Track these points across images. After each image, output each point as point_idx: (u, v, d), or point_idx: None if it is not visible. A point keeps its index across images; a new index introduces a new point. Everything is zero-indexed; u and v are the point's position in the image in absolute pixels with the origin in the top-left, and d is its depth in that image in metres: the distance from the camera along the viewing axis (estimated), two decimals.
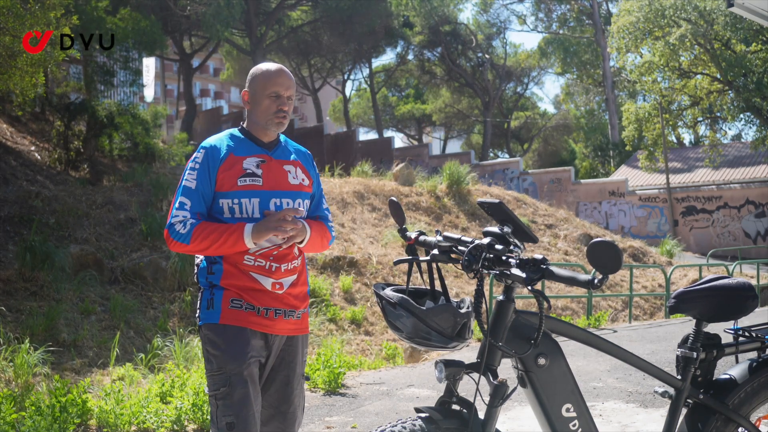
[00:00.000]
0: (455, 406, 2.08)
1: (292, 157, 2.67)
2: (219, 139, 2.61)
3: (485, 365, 2.06)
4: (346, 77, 36.04)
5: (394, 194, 14.20)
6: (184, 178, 2.54)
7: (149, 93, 20.08)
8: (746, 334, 2.46)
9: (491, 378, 2.03)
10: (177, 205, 2.49)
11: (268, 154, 2.60)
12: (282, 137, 2.72)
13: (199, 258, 2.60)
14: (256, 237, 2.44)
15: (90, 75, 16.09)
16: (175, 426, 4.61)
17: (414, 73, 36.18)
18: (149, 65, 18.97)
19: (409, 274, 2.37)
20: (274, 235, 2.46)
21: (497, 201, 2.13)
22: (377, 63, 38.33)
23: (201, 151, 2.56)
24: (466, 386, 2.33)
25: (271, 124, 2.58)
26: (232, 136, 2.62)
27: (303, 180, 2.64)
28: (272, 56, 29.73)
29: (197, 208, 2.49)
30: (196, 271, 2.62)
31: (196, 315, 2.59)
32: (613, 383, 5.88)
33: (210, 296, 2.53)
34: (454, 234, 2.29)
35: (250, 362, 2.45)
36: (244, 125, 2.66)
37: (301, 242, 2.59)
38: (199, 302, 2.58)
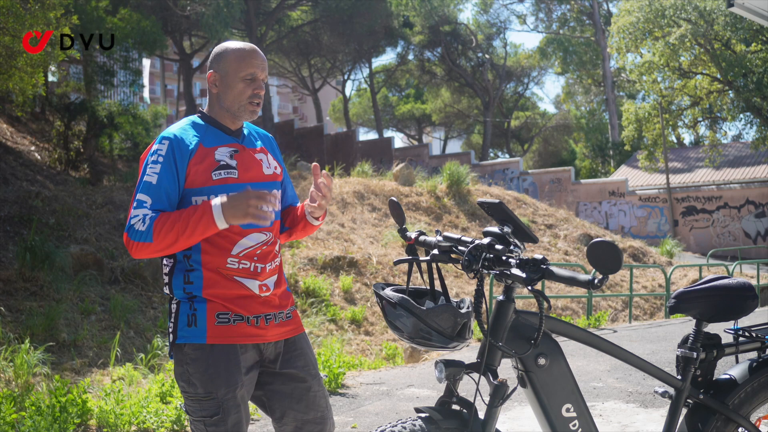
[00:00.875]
0: (455, 406, 2.08)
1: (259, 144, 2.42)
2: (182, 129, 2.28)
3: (485, 365, 2.06)
4: (346, 77, 36.05)
5: (394, 194, 14.20)
6: (145, 173, 2.20)
7: (144, 94, 20.10)
8: (746, 334, 2.46)
9: (491, 378, 2.03)
10: (135, 203, 2.16)
11: (239, 142, 2.33)
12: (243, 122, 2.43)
13: (169, 265, 2.27)
14: (231, 219, 2.12)
15: (90, 75, 16.11)
16: (175, 426, 4.61)
17: (414, 73, 36.20)
18: (144, 66, 19.00)
19: (409, 274, 2.36)
20: (251, 219, 2.13)
21: (497, 201, 2.13)
22: (377, 63, 38.40)
23: (164, 142, 2.23)
24: (466, 386, 2.33)
25: (244, 112, 2.30)
26: (195, 125, 2.31)
27: (275, 168, 2.41)
28: (272, 56, 29.76)
29: (158, 205, 2.16)
30: (166, 280, 2.27)
31: (170, 330, 2.25)
32: (613, 383, 5.88)
33: (191, 311, 2.22)
34: (454, 234, 2.29)
35: (241, 384, 2.22)
36: (206, 111, 2.35)
37: (318, 219, 2.40)
38: (174, 316, 2.24)
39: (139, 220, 2.12)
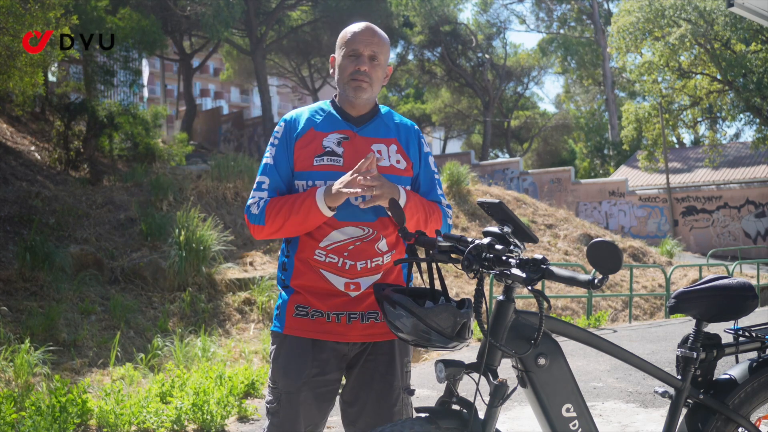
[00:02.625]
0: (455, 406, 2.07)
1: (389, 133, 2.30)
2: (302, 111, 2.32)
3: (485, 365, 2.06)
4: None
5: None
6: (264, 155, 2.28)
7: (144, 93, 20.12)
8: (746, 334, 2.46)
9: (491, 378, 2.03)
10: (255, 185, 2.24)
11: (353, 129, 2.25)
12: (383, 109, 2.35)
13: (279, 254, 2.34)
14: (330, 200, 2.09)
15: (90, 75, 16.10)
16: (175, 426, 4.61)
17: (414, 73, 36.20)
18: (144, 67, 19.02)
19: (409, 274, 2.36)
20: (352, 192, 2.05)
21: (497, 201, 2.13)
22: None
23: (281, 124, 2.29)
24: (466, 386, 2.33)
25: (348, 89, 2.23)
26: (319, 109, 2.31)
27: (397, 161, 2.27)
28: (272, 56, 29.76)
29: (275, 185, 2.21)
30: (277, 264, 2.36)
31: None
32: (613, 383, 5.87)
33: (281, 301, 2.28)
34: (454, 234, 2.28)
35: (307, 382, 2.16)
36: (336, 98, 2.34)
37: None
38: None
39: (255, 203, 2.21)
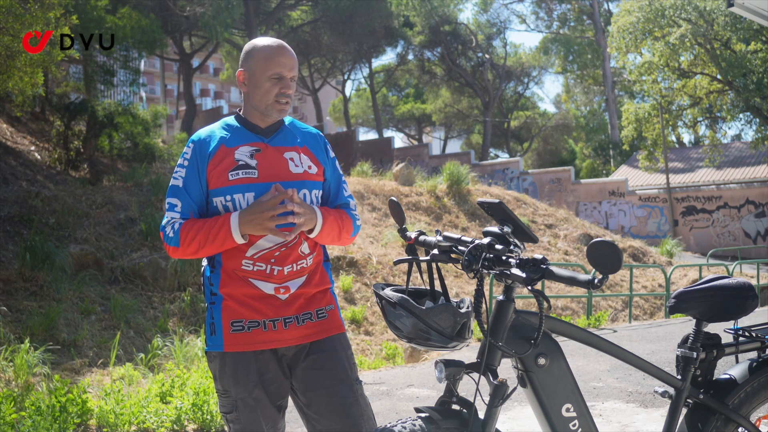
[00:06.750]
0: (455, 406, 2.08)
1: (297, 141, 2.34)
2: (210, 131, 2.31)
3: (485, 365, 2.06)
4: (346, 77, 36.06)
5: (394, 194, 14.20)
6: (173, 176, 2.28)
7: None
8: (746, 334, 2.46)
9: (491, 378, 2.03)
10: (167, 206, 2.26)
11: (263, 141, 2.29)
12: (287, 119, 2.39)
13: (203, 265, 2.34)
14: (246, 229, 2.14)
15: (90, 75, 16.10)
16: (175, 426, 4.62)
17: (414, 73, 36.20)
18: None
19: (408, 274, 2.36)
20: (271, 233, 2.14)
21: (497, 201, 2.13)
22: (377, 63, 38.39)
23: (190, 145, 2.29)
24: (466, 386, 2.33)
25: (272, 111, 2.27)
26: (226, 126, 2.32)
27: (309, 167, 2.30)
28: None
29: (188, 207, 2.24)
30: (202, 281, 2.35)
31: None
32: (613, 383, 5.87)
33: (211, 319, 2.27)
34: (454, 234, 2.28)
35: (257, 385, 2.21)
36: (241, 111, 2.36)
37: (310, 232, 2.26)
38: (204, 324, 2.36)
39: (169, 225, 2.23)
